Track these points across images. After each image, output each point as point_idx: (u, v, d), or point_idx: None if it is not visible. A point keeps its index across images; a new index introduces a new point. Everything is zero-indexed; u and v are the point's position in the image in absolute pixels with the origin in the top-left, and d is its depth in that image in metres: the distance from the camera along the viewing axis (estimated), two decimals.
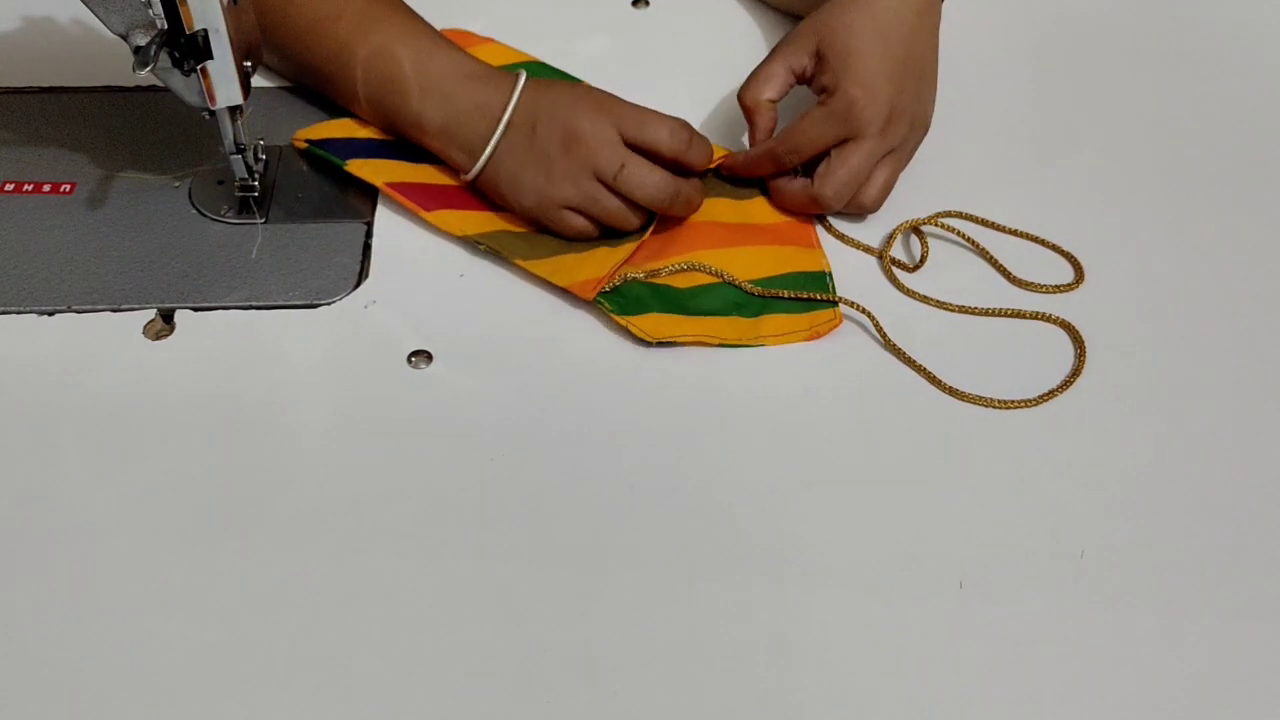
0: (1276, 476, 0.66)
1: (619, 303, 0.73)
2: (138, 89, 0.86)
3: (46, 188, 0.79)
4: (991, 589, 0.61)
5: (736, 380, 0.70)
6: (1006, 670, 0.58)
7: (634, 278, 0.74)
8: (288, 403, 0.70)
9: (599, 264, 0.75)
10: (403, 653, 0.58)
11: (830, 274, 0.76)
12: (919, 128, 0.79)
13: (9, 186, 0.79)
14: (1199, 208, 0.81)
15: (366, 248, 0.77)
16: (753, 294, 0.75)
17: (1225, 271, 0.77)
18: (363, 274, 0.75)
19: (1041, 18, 0.97)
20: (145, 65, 0.67)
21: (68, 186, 0.79)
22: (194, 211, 0.78)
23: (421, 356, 0.71)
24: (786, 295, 0.75)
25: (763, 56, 0.81)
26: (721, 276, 0.75)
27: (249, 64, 0.72)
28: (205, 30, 0.68)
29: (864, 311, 0.73)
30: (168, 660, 0.58)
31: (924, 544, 0.62)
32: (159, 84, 0.72)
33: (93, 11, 0.69)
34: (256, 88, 0.73)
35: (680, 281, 0.75)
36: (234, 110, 0.73)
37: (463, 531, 0.63)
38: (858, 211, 0.80)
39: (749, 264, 0.77)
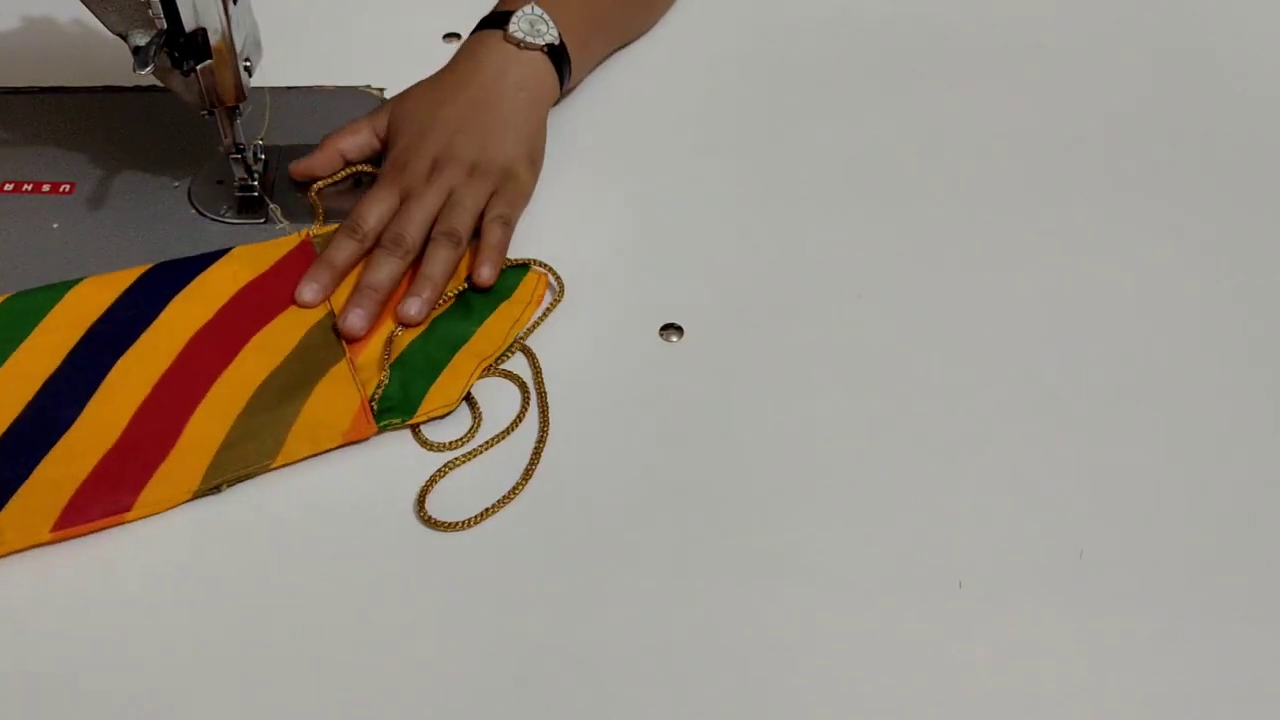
0: (1276, 476, 0.66)
1: (397, 406, 0.67)
2: (138, 89, 0.86)
3: (46, 188, 0.79)
4: (991, 589, 0.61)
5: (730, 379, 0.70)
6: (1006, 670, 0.58)
7: (381, 380, 0.67)
8: None
9: (340, 398, 0.67)
10: (403, 653, 0.58)
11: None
12: (490, 171, 0.77)
13: (9, 186, 0.79)
14: (1192, 205, 0.82)
15: None
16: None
17: (1223, 270, 0.77)
18: None
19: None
20: (145, 65, 0.67)
21: (67, 186, 0.79)
22: (194, 211, 0.78)
23: None
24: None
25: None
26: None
27: (248, 63, 0.72)
28: (205, 30, 0.68)
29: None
30: (167, 660, 0.58)
31: (924, 544, 0.62)
32: (159, 84, 0.72)
33: (92, 11, 0.69)
34: (256, 87, 0.73)
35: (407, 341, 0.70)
36: (232, 110, 0.73)
37: (462, 531, 0.63)
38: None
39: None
